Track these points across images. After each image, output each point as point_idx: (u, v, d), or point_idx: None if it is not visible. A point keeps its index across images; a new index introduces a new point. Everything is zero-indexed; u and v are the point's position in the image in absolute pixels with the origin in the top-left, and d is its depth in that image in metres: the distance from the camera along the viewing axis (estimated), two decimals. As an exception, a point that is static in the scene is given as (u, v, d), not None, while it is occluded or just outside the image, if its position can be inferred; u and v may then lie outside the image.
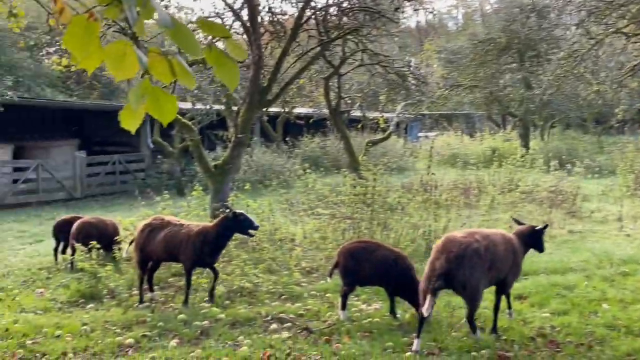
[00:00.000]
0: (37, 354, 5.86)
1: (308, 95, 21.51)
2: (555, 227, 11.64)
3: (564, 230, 11.60)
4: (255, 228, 7.53)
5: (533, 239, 6.52)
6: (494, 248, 5.94)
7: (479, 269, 5.73)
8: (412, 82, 17.12)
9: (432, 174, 11.77)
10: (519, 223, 6.86)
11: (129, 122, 1.99)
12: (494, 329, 6.23)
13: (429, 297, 5.63)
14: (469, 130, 35.15)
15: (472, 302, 5.88)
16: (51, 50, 22.77)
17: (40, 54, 25.40)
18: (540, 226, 6.60)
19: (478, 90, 25.98)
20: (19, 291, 8.31)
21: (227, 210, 7.53)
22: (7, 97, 17.54)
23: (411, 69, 17.20)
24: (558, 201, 13.64)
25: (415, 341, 5.78)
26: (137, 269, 7.77)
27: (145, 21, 1.86)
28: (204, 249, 7.33)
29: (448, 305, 7.09)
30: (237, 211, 7.52)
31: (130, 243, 8.26)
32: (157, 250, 7.55)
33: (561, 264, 9.04)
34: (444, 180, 14.78)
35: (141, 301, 7.55)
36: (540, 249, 6.66)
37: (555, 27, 23.97)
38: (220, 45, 2.17)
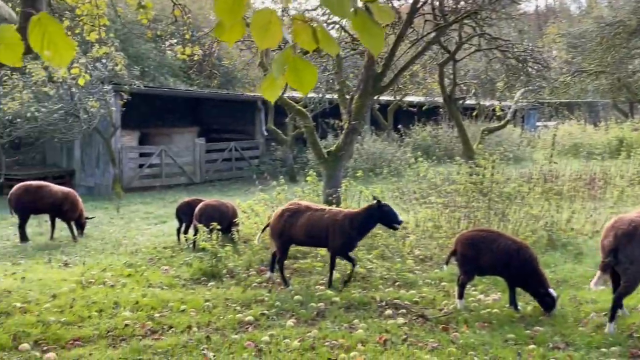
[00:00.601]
0: (164, 326, 6.17)
1: (421, 82, 21.16)
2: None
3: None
4: (399, 222, 7.34)
5: None
6: None
7: None
8: (533, 67, 16.33)
9: (554, 162, 11.19)
10: None
11: (270, 92, 2.00)
12: None
13: (598, 272, 5.74)
14: (593, 119, 33.10)
15: (633, 283, 5.71)
16: (173, 41, 24.01)
17: (164, 45, 26.83)
18: None
19: (604, 76, 24.36)
20: (146, 268, 8.80)
21: (375, 201, 7.36)
22: (134, 87, 18.67)
23: (532, 53, 16.37)
24: (696, 194, 12.51)
25: (609, 324, 5.75)
26: (278, 253, 7.80)
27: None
28: (351, 235, 7.32)
29: (574, 300, 6.71)
30: (383, 202, 7.36)
31: (264, 229, 8.42)
32: (298, 234, 7.57)
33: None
34: (566, 171, 14.01)
35: (286, 284, 7.62)
36: None
37: (694, 6, 21.96)
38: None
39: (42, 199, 10.89)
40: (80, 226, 11.49)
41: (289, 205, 7.89)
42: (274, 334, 5.79)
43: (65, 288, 7.48)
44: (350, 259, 7.54)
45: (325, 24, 12.49)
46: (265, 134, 22.55)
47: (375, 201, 7.34)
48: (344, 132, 11.52)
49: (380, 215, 7.25)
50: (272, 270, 8.04)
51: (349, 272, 7.64)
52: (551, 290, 6.30)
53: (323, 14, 13.14)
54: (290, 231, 7.58)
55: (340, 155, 11.29)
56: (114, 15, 12.68)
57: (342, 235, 7.29)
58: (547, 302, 6.27)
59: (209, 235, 8.64)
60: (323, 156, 11.39)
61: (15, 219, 11.28)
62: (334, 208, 7.91)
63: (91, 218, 12.14)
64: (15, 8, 8.04)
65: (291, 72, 1.94)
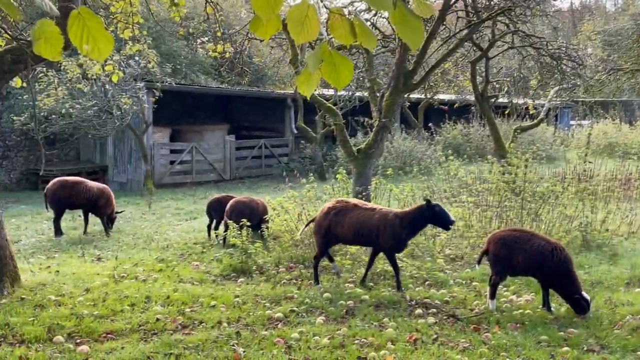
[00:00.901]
0: (195, 321, 6.22)
1: (452, 80, 20.95)
2: None
3: None
4: (452, 222, 7.13)
5: None
6: None
7: None
8: (568, 65, 16.02)
9: (589, 162, 10.97)
10: None
11: (305, 87, 1.99)
12: None
13: None
14: (628, 118, 32.38)
15: None
16: (205, 39, 24.22)
17: (195, 43, 27.07)
18: None
19: (641, 74, 23.78)
20: (177, 263, 8.89)
21: (425, 200, 7.19)
22: (166, 84, 18.87)
23: (567, 51, 16.06)
24: None
25: None
26: (318, 250, 7.75)
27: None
28: (402, 235, 7.22)
29: (609, 302, 6.57)
30: (433, 202, 7.15)
31: (307, 224, 8.39)
32: (345, 233, 7.46)
33: None
34: (601, 171, 13.73)
35: (317, 281, 7.60)
36: None
37: None
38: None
39: (78, 194, 11.06)
40: (111, 221, 11.68)
41: (335, 203, 7.71)
42: (303, 331, 5.79)
43: (98, 282, 7.60)
44: (394, 265, 7.40)
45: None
46: (295, 131, 22.58)
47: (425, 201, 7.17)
48: (374, 129, 11.45)
49: (431, 215, 7.04)
50: (331, 260, 8.16)
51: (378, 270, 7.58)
52: (584, 294, 6.17)
53: (354, 10, 13.08)
54: (337, 229, 7.45)
55: (371, 153, 11.22)
56: (147, 13, 12.82)
57: (394, 235, 7.16)
58: (582, 306, 6.13)
59: (239, 232, 8.69)
60: (353, 154, 11.34)
61: (49, 214, 11.48)
62: (383, 207, 7.78)
63: (121, 212, 12.32)
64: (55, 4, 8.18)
65: (328, 66, 1.92)
